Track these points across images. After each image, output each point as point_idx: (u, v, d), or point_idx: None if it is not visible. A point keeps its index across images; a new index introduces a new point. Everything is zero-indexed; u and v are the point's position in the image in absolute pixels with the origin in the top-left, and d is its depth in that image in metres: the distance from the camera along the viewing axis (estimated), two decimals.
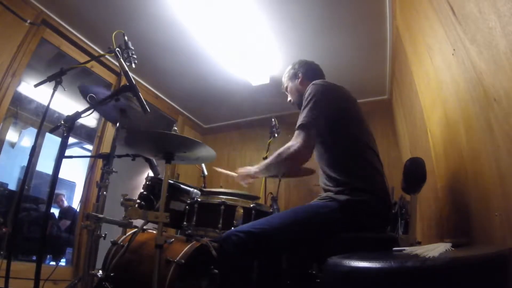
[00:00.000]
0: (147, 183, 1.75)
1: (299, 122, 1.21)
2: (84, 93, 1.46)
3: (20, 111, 3.12)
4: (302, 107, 1.25)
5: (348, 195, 1.12)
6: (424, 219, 1.85)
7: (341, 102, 1.28)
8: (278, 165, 1.26)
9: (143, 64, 2.47)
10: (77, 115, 1.27)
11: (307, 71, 1.52)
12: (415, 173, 1.15)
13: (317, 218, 1.11)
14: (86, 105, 1.34)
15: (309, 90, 1.26)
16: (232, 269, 1.04)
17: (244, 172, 1.44)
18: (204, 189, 1.80)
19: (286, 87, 1.60)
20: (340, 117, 1.24)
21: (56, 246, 3.21)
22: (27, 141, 3.77)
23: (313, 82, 1.30)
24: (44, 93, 2.31)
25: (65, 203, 3.87)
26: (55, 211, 3.76)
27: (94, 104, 1.35)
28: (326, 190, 1.24)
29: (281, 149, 1.23)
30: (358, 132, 1.27)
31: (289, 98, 1.60)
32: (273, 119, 2.38)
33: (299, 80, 1.52)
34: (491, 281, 0.53)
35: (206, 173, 2.25)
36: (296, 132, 1.21)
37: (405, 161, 1.19)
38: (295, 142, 1.19)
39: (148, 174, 1.78)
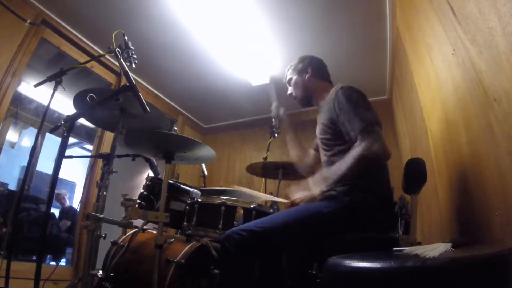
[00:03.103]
0: (147, 183, 1.75)
1: (365, 124, 1.10)
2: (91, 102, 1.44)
3: (20, 111, 3.12)
4: (352, 108, 1.16)
5: (351, 195, 1.12)
6: (424, 219, 1.85)
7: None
8: (357, 169, 1.09)
9: (143, 64, 2.47)
10: (77, 115, 1.27)
11: (317, 69, 1.48)
12: (415, 173, 1.15)
13: (321, 218, 1.11)
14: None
15: (350, 92, 1.21)
16: (234, 268, 1.03)
17: (309, 196, 1.17)
18: (204, 188, 1.80)
19: (290, 80, 1.53)
20: None
21: (56, 246, 3.21)
22: (27, 141, 3.78)
23: (346, 85, 1.25)
24: (44, 93, 2.31)
25: (67, 202, 3.87)
26: (56, 211, 3.76)
27: (94, 104, 1.35)
28: (329, 190, 1.23)
29: (356, 153, 1.08)
30: None
31: (289, 91, 1.54)
32: (273, 119, 2.38)
33: (308, 76, 1.46)
34: (491, 281, 0.53)
35: (206, 173, 2.25)
36: (366, 135, 1.09)
37: (406, 162, 1.19)
38: (370, 139, 1.08)
39: (148, 174, 1.78)
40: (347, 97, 1.20)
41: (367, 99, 1.22)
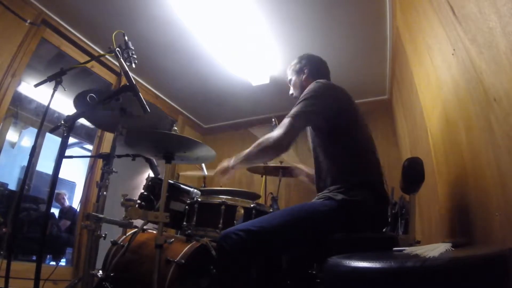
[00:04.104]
0: (147, 183, 1.74)
1: (293, 110, 1.20)
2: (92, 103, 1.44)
3: (20, 111, 3.12)
4: (298, 101, 1.24)
5: (345, 194, 1.12)
6: (424, 219, 1.85)
7: (341, 103, 1.28)
8: (257, 156, 1.23)
9: (143, 64, 2.48)
10: (77, 115, 1.27)
11: (313, 68, 1.49)
12: (413, 173, 1.15)
13: (317, 217, 1.11)
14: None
15: (311, 86, 1.26)
16: (231, 268, 1.03)
17: (222, 167, 1.37)
18: (204, 188, 1.80)
19: (290, 80, 1.56)
20: (339, 117, 1.23)
21: (56, 246, 3.21)
22: (27, 141, 3.78)
23: (316, 80, 1.29)
24: (44, 93, 2.32)
25: (67, 202, 3.87)
26: (56, 211, 3.76)
27: (94, 104, 1.35)
28: (324, 189, 1.24)
29: (262, 139, 1.21)
30: (357, 132, 1.27)
31: (291, 91, 1.56)
32: (273, 119, 2.37)
33: (304, 76, 1.49)
34: (491, 281, 0.53)
35: (206, 173, 2.25)
36: (282, 122, 1.19)
37: (403, 161, 1.19)
38: (277, 132, 1.18)
39: (148, 174, 1.78)
40: (306, 90, 1.26)
41: (325, 96, 1.23)
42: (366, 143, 1.26)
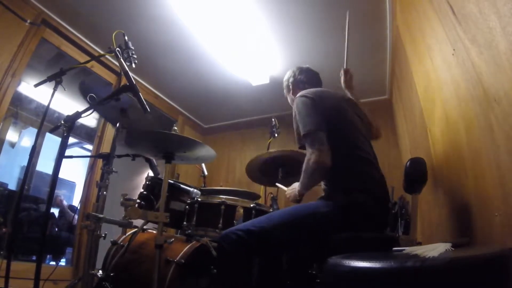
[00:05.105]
0: (147, 183, 1.75)
1: (302, 133, 1.19)
2: (84, 92, 1.45)
3: (20, 111, 3.12)
4: (298, 120, 1.25)
5: (345, 196, 1.13)
6: (424, 219, 1.85)
7: (328, 106, 1.28)
8: (310, 181, 1.20)
9: (143, 64, 2.47)
10: (77, 115, 1.27)
11: (295, 81, 1.55)
12: (416, 173, 1.14)
13: (316, 217, 1.11)
14: (86, 105, 1.34)
15: (295, 103, 1.29)
16: (231, 267, 1.04)
17: (292, 193, 1.35)
18: (204, 188, 1.80)
19: (287, 99, 1.63)
20: (331, 120, 1.23)
21: (56, 246, 3.21)
22: (27, 141, 3.77)
23: (298, 95, 1.31)
24: (44, 93, 2.31)
25: (65, 203, 3.87)
26: (55, 210, 3.76)
27: (94, 104, 1.35)
28: (324, 190, 1.25)
29: (304, 166, 1.19)
30: (351, 133, 1.27)
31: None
32: (273, 119, 2.38)
33: (291, 92, 1.55)
34: (491, 281, 0.53)
35: (206, 173, 2.25)
36: (307, 145, 1.19)
37: (406, 161, 1.19)
38: (310, 153, 1.16)
39: (148, 174, 1.78)
40: (294, 108, 1.29)
41: (312, 105, 1.25)
42: (362, 144, 1.26)
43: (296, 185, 1.33)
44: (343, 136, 1.24)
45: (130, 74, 1.32)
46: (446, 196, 1.35)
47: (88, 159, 2.96)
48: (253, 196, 1.99)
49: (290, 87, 1.55)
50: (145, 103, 1.31)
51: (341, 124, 1.27)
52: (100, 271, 1.39)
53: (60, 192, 4.00)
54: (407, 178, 1.16)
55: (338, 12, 2.28)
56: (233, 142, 4.13)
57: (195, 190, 1.70)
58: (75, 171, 4.33)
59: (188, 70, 3.08)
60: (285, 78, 1.60)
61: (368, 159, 1.24)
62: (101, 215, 1.31)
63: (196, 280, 1.48)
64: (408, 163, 1.16)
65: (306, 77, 1.54)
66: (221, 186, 1.99)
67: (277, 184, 1.71)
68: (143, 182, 1.77)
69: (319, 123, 1.19)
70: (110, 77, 3.05)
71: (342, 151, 1.21)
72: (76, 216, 3.46)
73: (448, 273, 0.53)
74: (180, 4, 2.27)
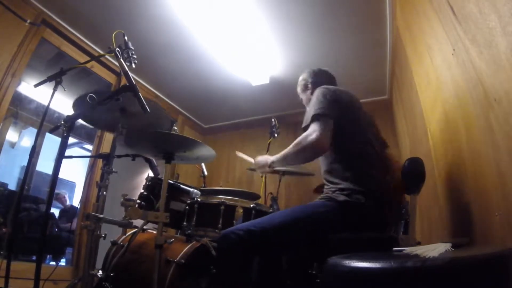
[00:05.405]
0: (147, 183, 1.74)
1: (312, 113, 1.18)
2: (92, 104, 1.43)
3: (20, 111, 3.12)
4: (310, 104, 1.24)
5: (346, 196, 1.12)
6: (424, 219, 1.85)
7: (344, 104, 1.27)
8: (296, 156, 1.21)
9: (143, 64, 2.47)
10: (77, 115, 1.27)
11: (316, 81, 1.52)
12: (414, 173, 1.14)
13: (316, 217, 1.11)
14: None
15: (315, 92, 1.28)
16: (230, 267, 1.03)
17: (262, 161, 1.40)
18: (204, 188, 1.80)
19: (302, 100, 1.60)
20: (343, 118, 1.22)
21: (56, 246, 3.21)
22: (27, 141, 3.78)
23: (319, 87, 1.30)
24: (44, 93, 2.31)
25: (67, 201, 3.88)
26: (56, 211, 3.76)
27: (94, 104, 1.35)
28: (326, 190, 1.24)
29: (299, 139, 1.18)
30: (360, 133, 1.26)
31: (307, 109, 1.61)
32: (273, 119, 2.38)
33: (310, 91, 1.52)
34: (491, 281, 0.53)
35: (206, 173, 2.25)
36: (312, 123, 1.17)
37: (404, 162, 1.19)
38: (312, 130, 1.15)
39: (148, 174, 1.78)
40: (312, 96, 1.28)
41: (329, 98, 1.23)
42: (369, 144, 1.25)
43: (267, 156, 1.36)
44: (355, 136, 1.24)
45: (130, 74, 1.32)
46: (446, 196, 1.35)
47: (88, 159, 2.96)
48: (253, 196, 2.00)
49: (309, 86, 1.53)
50: (145, 103, 1.31)
51: (350, 123, 1.26)
52: (100, 271, 1.39)
53: (62, 191, 4.00)
54: (405, 179, 1.16)
55: (338, 12, 2.29)
56: (233, 142, 4.13)
57: (195, 190, 1.70)
58: (75, 171, 4.34)
59: (188, 70, 3.08)
60: (303, 77, 1.58)
61: (372, 160, 1.23)
62: (101, 215, 1.31)
63: (196, 280, 1.48)
64: (406, 163, 1.16)
65: (326, 79, 1.54)
66: (221, 186, 1.99)
67: (237, 152, 1.69)
68: (143, 182, 1.77)
69: (332, 111, 1.19)
70: (110, 77, 3.04)
71: (346, 150, 1.21)
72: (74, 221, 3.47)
73: (448, 273, 0.53)
74: (180, 4, 2.27)
